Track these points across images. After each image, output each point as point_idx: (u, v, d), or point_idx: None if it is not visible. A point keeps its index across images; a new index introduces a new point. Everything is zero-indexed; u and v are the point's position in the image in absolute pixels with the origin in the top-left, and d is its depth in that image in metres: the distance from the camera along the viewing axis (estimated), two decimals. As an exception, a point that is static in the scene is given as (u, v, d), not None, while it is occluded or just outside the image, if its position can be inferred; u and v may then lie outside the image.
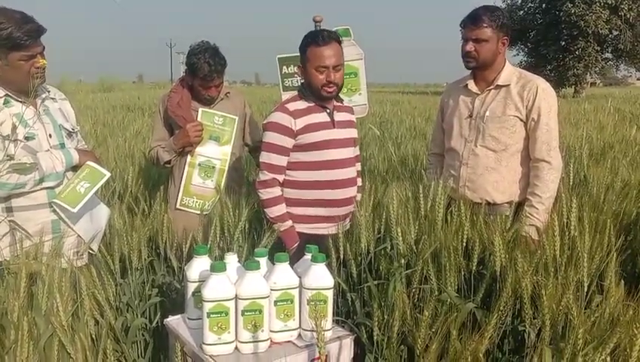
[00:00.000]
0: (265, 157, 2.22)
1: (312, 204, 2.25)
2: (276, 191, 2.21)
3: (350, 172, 2.30)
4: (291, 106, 2.22)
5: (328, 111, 2.26)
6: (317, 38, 2.15)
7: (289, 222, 2.22)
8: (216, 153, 2.68)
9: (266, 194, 2.21)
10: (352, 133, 2.36)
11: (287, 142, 2.19)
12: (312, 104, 2.23)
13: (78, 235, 2.08)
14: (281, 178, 2.23)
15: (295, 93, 2.32)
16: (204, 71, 2.55)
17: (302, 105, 2.23)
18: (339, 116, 2.29)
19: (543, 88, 2.26)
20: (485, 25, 2.25)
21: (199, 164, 2.67)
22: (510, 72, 2.33)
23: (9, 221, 1.94)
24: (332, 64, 2.15)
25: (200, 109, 2.66)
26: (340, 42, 2.20)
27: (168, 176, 2.86)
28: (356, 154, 2.42)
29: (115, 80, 33.55)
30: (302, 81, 2.31)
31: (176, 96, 2.66)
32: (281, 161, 2.21)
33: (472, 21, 2.28)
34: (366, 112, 3.23)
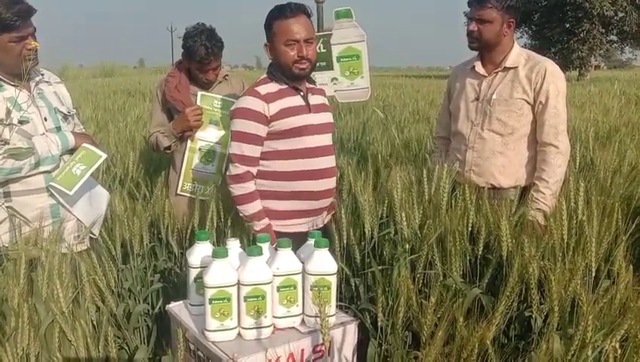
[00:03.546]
0: (235, 147, 2.01)
1: (289, 197, 2.07)
2: (250, 186, 2.02)
3: (329, 160, 2.12)
4: (262, 90, 2.01)
5: (302, 94, 2.07)
6: (284, 11, 1.96)
7: (265, 220, 2.03)
8: (216, 137, 2.64)
9: (239, 189, 2.01)
10: (329, 117, 2.17)
11: (261, 129, 1.99)
12: (284, 86, 2.04)
13: (78, 219, 2.07)
14: (254, 170, 2.03)
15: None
16: (200, 54, 2.49)
17: (273, 87, 2.03)
18: (314, 99, 2.11)
19: (552, 71, 2.21)
20: (490, 5, 2.20)
21: (199, 149, 2.64)
22: (518, 53, 2.28)
23: (7, 207, 1.92)
24: (303, 37, 1.96)
25: (199, 93, 2.62)
26: (309, 15, 2.02)
27: (169, 161, 2.83)
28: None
29: (116, 65, 33.44)
30: (270, 60, 2.09)
31: (174, 81, 2.61)
32: (255, 151, 2.01)
33: (478, 0, 2.23)
34: (368, 96, 3.18)
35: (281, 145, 2.04)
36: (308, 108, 2.07)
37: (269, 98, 2.00)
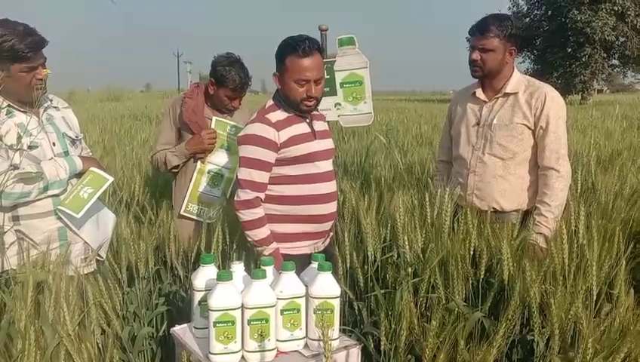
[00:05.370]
0: (245, 173, 2.02)
1: (296, 220, 2.11)
2: (260, 212, 2.03)
3: (333, 185, 2.18)
4: (272, 117, 2.04)
5: (308, 121, 2.13)
6: (298, 48, 1.96)
7: (274, 244, 2.05)
8: (226, 162, 2.69)
9: (249, 215, 2.02)
10: (331, 143, 2.24)
11: (271, 156, 2.02)
12: (291, 114, 2.08)
13: (85, 241, 2.09)
14: (263, 196, 2.05)
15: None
16: (235, 83, 2.59)
17: (282, 115, 2.07)
18: (317, 125, 2.16)
19: (552, 96, 2.25)
20: (492, 35, 2.24)
21: (208, 172, 2.68)
22: (518, 80, 2.32)
23: (15, 230, 1.95)
24: (314, 77, 2.00)
25: (214, 118, 2.68)
26: (321, 52, 2.06)
27: (172, 183, 2.86)
28: None
29: (123, 89, 33.66)
30: (277, 87, 2.12)
31: (192, 103, 2.67)
32: (264, 177, 2.04)
33: (480, 30, 2.27)
34: (371, 121, 3.22)
35: (288, 171, 2.07)
36: (313, 135, 2.11)
37: (279, 126, 2.04)
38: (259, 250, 2.03)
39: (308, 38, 2.01)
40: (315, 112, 2.19)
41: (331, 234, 2.24)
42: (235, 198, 2.06)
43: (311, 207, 2.10)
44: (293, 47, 1.98)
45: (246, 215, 2.03)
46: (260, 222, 2.04)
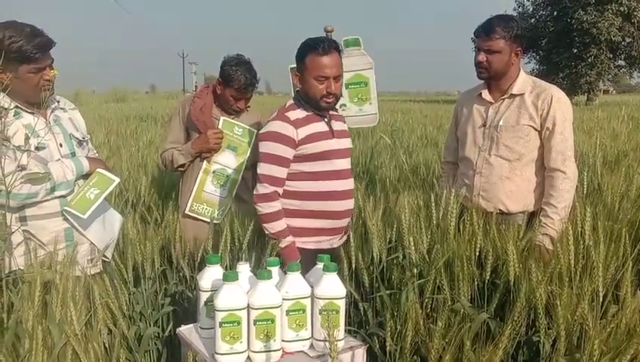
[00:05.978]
0: (265, 168, 2.12)
1: (315, 216, 2.18)
2: (277, 206, 2.12)
3: (350, 183, 2.25)
4: (291, 115, 2.14)
5: (326, 120, 2.20)
6: (318, 47, 2.07)
7: (290, 238, 2.13)
8: (231, 163, 2.70)
9: (267, 208, 2.11)
10: (349, 142, 2.31)
11: (289, 152, 2.11)
12: (310, 113, 2.16)
13: (91, 242, 2.11)
14: (281, 190, 2.14)
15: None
16: (240, 83, 2.60)
17: (301, 113, 2.16)
18: (336, 125, 2.24)
19: (558, 98, 2.25)
20: (498, 36, 2.24)
21: (213, 172, 2.69)
22: (524, 81, 2.32)
23: (23, 230, 1.96)
24: (333, 74, 2.09)
25: (221, 118, 2.69)
26: (339, 51, 2.14)
27: (178, 182, 2.87)
28: None
29: (128, 90, 33.77)
30: (298, 88, 2.22)
31: (200, 102, 2.69)
32: (282, 172, 2.13)
33: (485, 31, 2.27)
34: (376, 121, 3.23)
35: (306, 168, 2.15)
36: (331, 134, 2.19)
37: (297, 123, 2.12)
38: (275, 242, 2.10)
39: (327, 39, 2.14)
40: (334, 112, 2.26)
41: (349, 232, 2.26)
42: (254, 192, 2.14)
43: (327, 203, 2.17)
44: (312, 47, 2.09)
45: (264, 208, 2.11)
46: (277, 216, 2.12)
